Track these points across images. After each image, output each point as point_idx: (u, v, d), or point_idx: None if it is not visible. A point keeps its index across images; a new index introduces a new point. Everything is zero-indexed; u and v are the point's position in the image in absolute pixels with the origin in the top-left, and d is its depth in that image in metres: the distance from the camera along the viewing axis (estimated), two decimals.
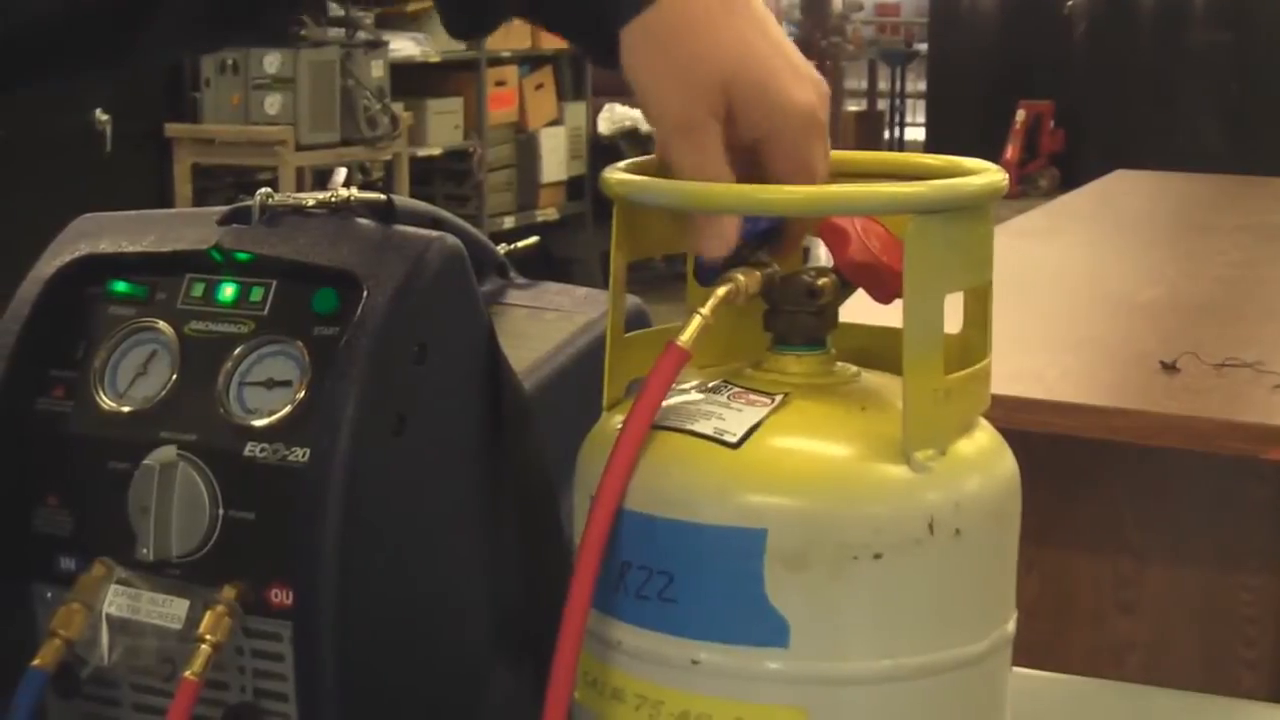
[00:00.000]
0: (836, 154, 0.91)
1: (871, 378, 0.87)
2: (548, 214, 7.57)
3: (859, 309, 0.90)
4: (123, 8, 0.87)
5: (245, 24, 0.94)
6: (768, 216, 0.87)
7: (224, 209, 0.99)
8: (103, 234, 1.00)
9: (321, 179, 6.37)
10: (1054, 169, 10.84)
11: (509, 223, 7.26)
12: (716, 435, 0.81)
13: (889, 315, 0.86)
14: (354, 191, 0.99)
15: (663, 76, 0.87)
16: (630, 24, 0.87)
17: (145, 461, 0.92)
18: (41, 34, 0.88)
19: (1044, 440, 2.20)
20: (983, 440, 0.85)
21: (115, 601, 0.92)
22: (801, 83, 0.88)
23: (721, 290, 0.83)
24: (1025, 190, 9.62)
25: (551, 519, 0.99)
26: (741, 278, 0.84)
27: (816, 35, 11.57)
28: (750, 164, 0.88)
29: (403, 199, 1.02)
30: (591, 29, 0.90)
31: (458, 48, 7.00)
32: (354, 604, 0.89)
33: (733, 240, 0.86)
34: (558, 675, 0.80)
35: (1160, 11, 11.04)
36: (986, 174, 0.85)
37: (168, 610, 0.91)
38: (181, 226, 0.99)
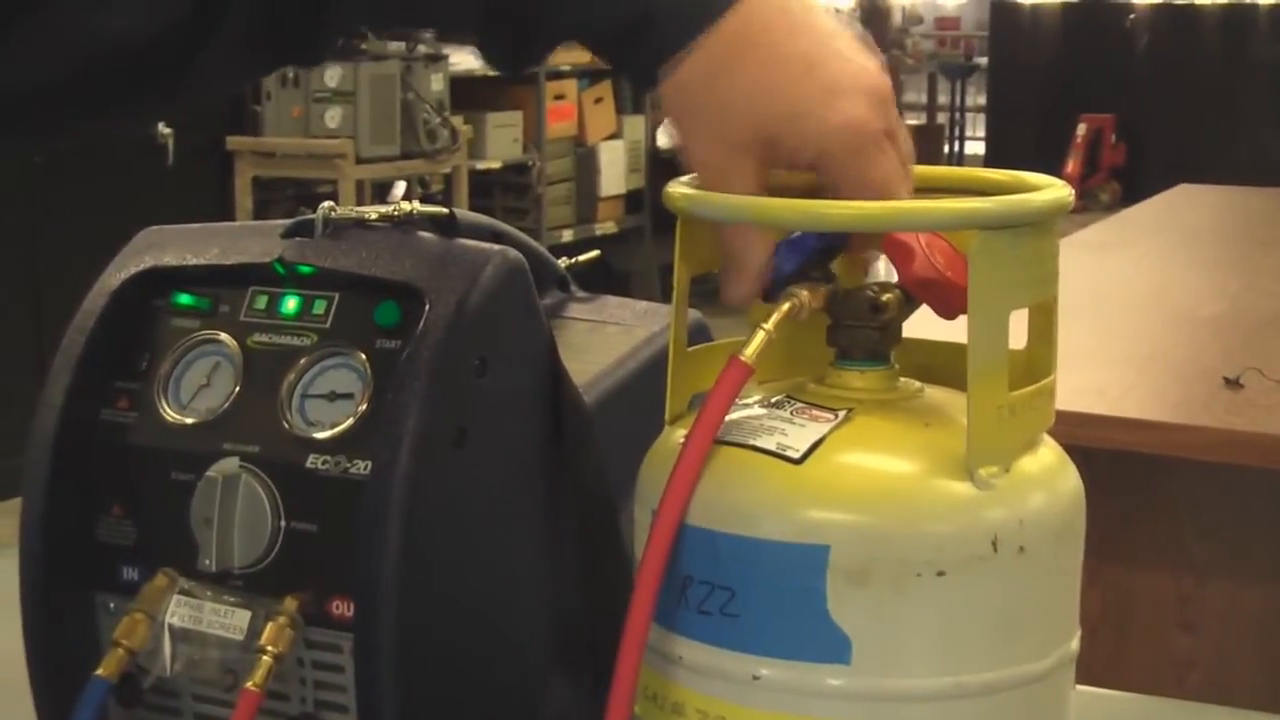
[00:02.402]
0: None
1: (935, 393, 0.87)
2: (606, 227, 7.58)
3: (923, 324, 0.90)
4: (181, 34, 0.88)
5: (296, 52, 0.94)
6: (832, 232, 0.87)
7: (287, 222, 0.99)
8: (167, 246, 1.01)
9: (381, 192, 6.39)
10: (1115, 183, 10.78)
11: (568, 236, 7.27)
12: (779, 451, 0.81)
13: (953, 331, 0.86)
14: (416, 205, 0.99)
15: (692, 132, 0.87)
16: (663, 83, 0.87)
17: (208, 473, 0.92)
18: (107, 65, 0.88)
19: (1106, 456, 2.18)
20: (1047, 457, 0.85)
21: (178, 612, 0.93)
22: (840, 101, 0.85)
23: (784, 305, 0.83)
24: (1086, 205, 9.57)
25: (611, 532, 0.99)
26: (804, 293, 0.84)
27: (876, 49, 11.53)
28: (816, 184, 0.87)
29: (464, 212, 1.02)
30: (637, 76, 0.90)
31: None
32: (414, 616, 0.89)
33: (755, 288, 0.85)
34: (618, 689, 0.80)
35: (1223, 24, 10.97)
36: (1052, 189, 0.84)
37: (230, 621, 0.92)
38: (245, 239, 1.00)
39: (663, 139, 7.66)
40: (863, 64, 0.87)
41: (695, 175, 0.87)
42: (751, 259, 0.86)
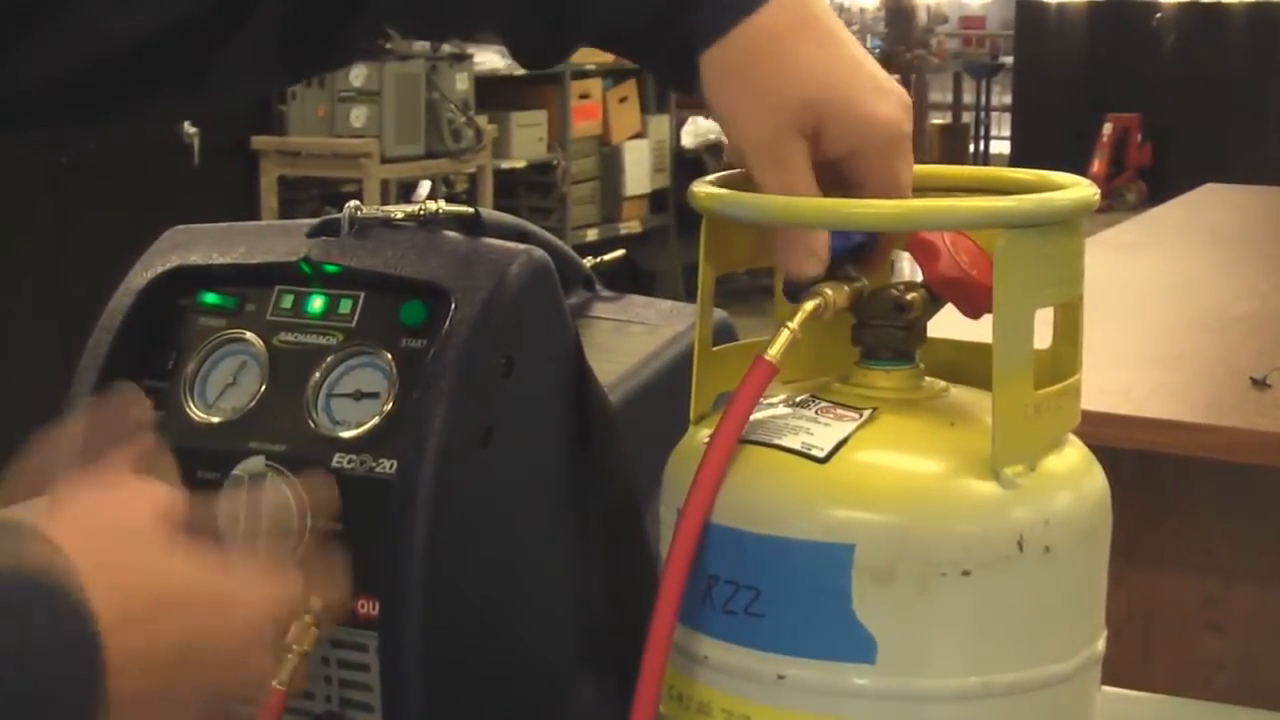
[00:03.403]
0: (924, 168, 0.91)
1: (960, 393, 0.87)
2: (631, 227, 7.58)
3: (948, 324, 0.90)
4: (203, 30, 0.88)
5: (320, 57, 0.94)
6: (858, 232, 0.87)
7: (313, 221, 1.00)
8: (193, 246, 1.01)
9: (406, 192, 6.40)
10: (1141, 183, 10.76)
11: (592, 235, 7.27)
12: (804, 450, 0.81)
13: (978, 330, 0.86)
14: (442, 204, 0.99)
15: (743, 101, 0.87)
16: (708, 51, 0.87)
17: (234, 471, 0.92)
18: (129, 61, 0.88)
19: (1132, 456, 2.18)
20: (1073, 457, 0.85)
21: None
22: (884, 98, 0.87)
23: (809, 305, 0.83)
24: (1112, 204, 9.55)
25: (636, 532, 0.99)
26: (829, 292, 0.84)
27: (901, 48, 11.53)
28: (836, 181, 0.87)
29: (489, 212, 1.02)
30: (669, 58, 0.90)
31: None
32: (439, 615, 0.89)
33: (825, 257, 0.85)
34: (644, 689, 0.80)
35: (1250, 23, 10.94)
36: (1078, 188, 0.84)
37: None
38: (271, 239, 1.00)
39: (687, 138, 7.66)
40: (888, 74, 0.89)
41: (744, 154, 0.87)
42: (818, 265, 0.86)
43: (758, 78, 0.86)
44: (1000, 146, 13.06)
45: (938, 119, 12.85)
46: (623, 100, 7.58)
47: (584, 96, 7.34)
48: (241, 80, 0.94)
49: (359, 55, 0.95)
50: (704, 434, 0.83)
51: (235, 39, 0.88)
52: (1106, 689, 0.87)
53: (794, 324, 0.82)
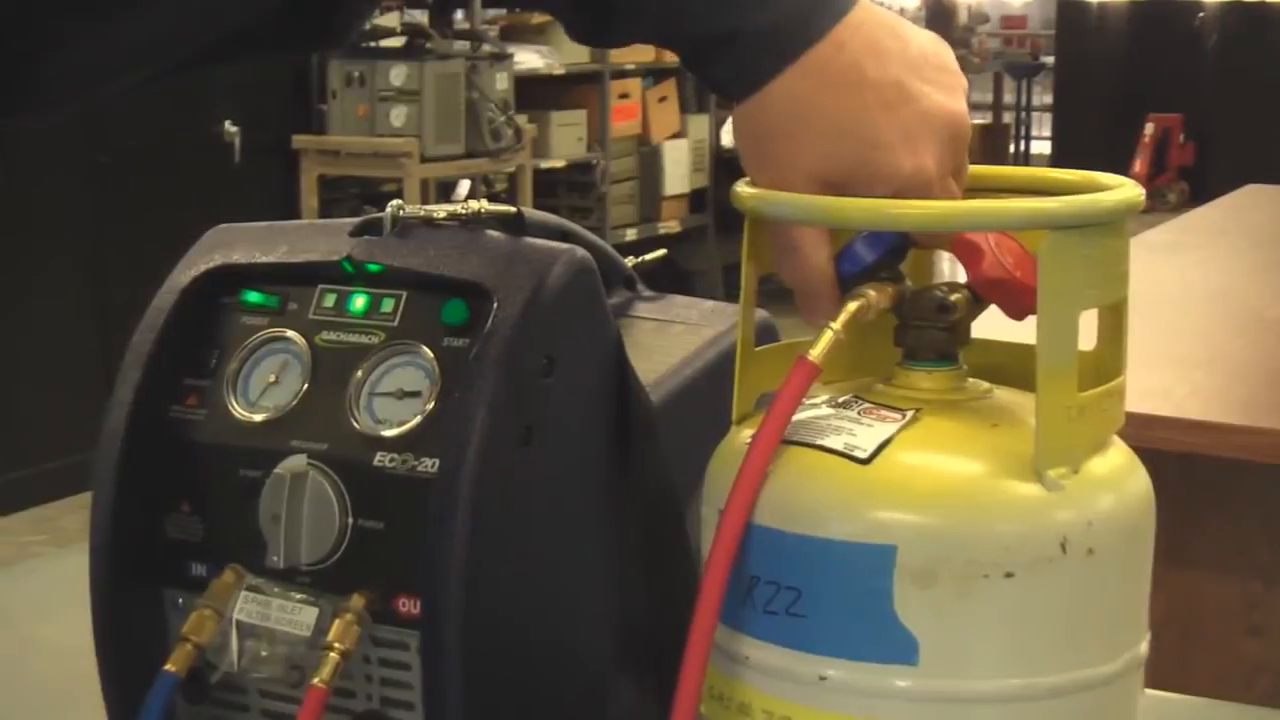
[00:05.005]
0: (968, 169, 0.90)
1: (1003, 394, 0.87)
2: (670, 226, 7.57)
3: (991, 325, 0.89)
4: None
5: None
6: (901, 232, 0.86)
7: (355, 220, 1.00)
8: (236, 244, 1.01)
9: (445, 191, 6.41)
10: (1183, 183, 10.72)
11: (631, 235, 7.27)
12: (847, 451, 0.81)
13: (1022, 331, 0.85)
14: (484, 204, 0.99)
15: (758, 174, 0.87)
16: (746, 96, 0.87)
17: (276, 470, 0.93)
18: (272, 18, 0.89)
19: (1172, 459, 2.17)
20: (1116, 459, 0.84)
21: (245, 608, 0.93)
22: (914, 146, 0.85)
23: (852, 305, 0.83)
24: (1154, 205, 9.51)
25: (677, 532, 0.99)
26: (872, 293, 0.84)
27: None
28: None
29: (532, 211, 1.02)
30: (716, 88, 0.90)
31: (582, 60, 7.03)
32: (480, 614, 0.90)
33: (833, 315, 0.84)
34: (684, 689, 0.80)
35: None
36: (1123, 189, 0.84)
37: (297, 617, 0.92)
38: (313, 237, 1.00)
39: (727, 138, 7.65)
40: (944, 100, 0.87)
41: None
42: (818, 277, 0.85)
43: (771, 152, 0.86)
44: (1041, 147, 13.02)
45: (978, 119, 12.78)
46: (662, 100, 7.58)
47: (623, 96, 7.34)
48: (359, 17, 0.94)
49: None
50: (746, 434, 0.83)
51: None
52: (1147, 691, 0.87)
53: (837, 325, 0.82)
